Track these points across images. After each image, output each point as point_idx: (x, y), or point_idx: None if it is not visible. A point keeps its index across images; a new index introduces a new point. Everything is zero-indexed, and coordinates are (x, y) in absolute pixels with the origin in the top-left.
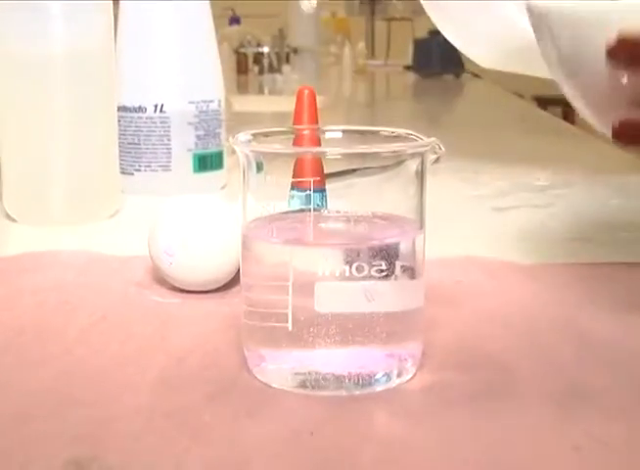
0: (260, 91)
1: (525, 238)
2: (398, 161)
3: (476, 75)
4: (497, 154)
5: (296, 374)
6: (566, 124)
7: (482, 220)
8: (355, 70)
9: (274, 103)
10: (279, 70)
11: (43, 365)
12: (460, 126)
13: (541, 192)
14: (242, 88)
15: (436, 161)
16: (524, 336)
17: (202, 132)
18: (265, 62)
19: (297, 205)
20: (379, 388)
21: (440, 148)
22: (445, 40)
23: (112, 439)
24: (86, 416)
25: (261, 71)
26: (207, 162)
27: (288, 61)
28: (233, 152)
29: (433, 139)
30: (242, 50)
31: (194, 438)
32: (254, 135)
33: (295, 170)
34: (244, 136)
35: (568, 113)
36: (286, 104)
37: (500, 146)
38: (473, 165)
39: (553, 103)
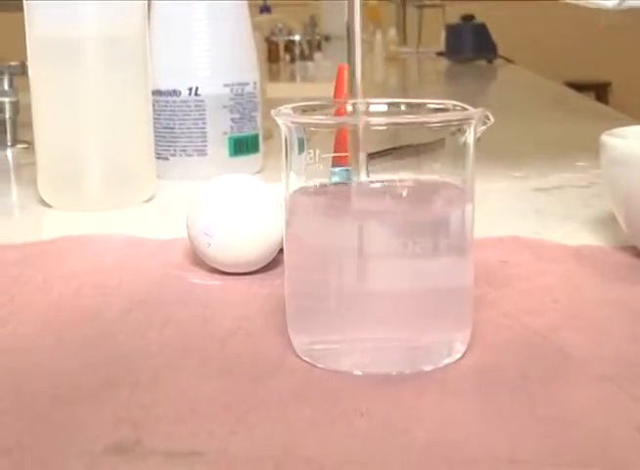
0: (292, 79)
1: (567, 218)
2: (446, 133)
3: (508, 60)
4: (535, 136)
5: (343, 354)
6: (602, 106)
7: (526, 201)
8: (387, 57)
9: (307, 90)
10: (310, 58)
11: (82, 348)
12: (495, 110)
13: (583, 172)
14: (273, 76)
15: (478, 139)
16: (575, 315)
17: (237, 115)
18: (297, 50)
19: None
20: (428, 367)
21: (489, 118)
22: (477, 25)
23: (154, 422)
24: (127, 399)
25: (293, 60)
26: (243, 145)
27: (319, 48)
28: (268, 136)
29: (481, 109)
30: (273, 38)
31: (239, 421)
32: (295, 109)
33: (335, 146)
34: (286, 109)
35: (601, 98)
36: (319, 90)
37: (537, 128)
38: (512, 148)
39: (586, 88)
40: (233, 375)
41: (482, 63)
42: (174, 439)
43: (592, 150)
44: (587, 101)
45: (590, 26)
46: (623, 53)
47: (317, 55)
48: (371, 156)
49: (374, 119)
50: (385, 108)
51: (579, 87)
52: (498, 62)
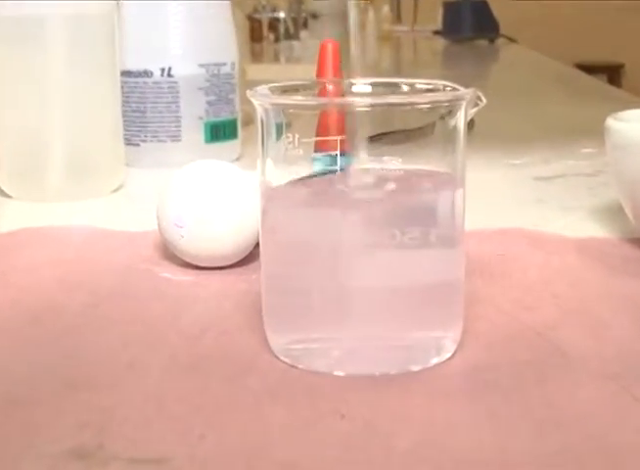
0: (276, 59)
1: (571, 209)
2: (436, 115)
3: (511, 40)
4: (538, 121)
5: (323, 353)
6: (613, 88)
7: (524, 190)
8: (380, 37)
9: (292, 71)
10: (296, 37)
11: (42, 346)
12: (496, 93)
13: (589, 159)
14: (256, 57)
15: (471, 128)
16: (574, 311)
17: (213, 98)
18: (281, 28)
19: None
20: (415, 367)
21: (481, 99)
22: (477, 2)
23: (118, 425)
24: (90, 401)
25: (277, 39)
26: (220, 131)
27: (306, 26)
28: (248, 122)
29: (472, 89)
30: (255, 16)
31: (210, 424)
32: (273, 90)
33: (318, 130)
34: (262, 89)
35: (614, 80)
36: (305, 72)
37: (541, 113)
38: (511, 133)
39: (597, 70)
40: (204, 375)
41: (483, 42)
42: (139, 443)
43: (600, 135)
44: (597, 83)
45: (602, 3)
46: (638, 32)
47: (303, 33)
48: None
49: (358, 100)
50: (369, 88)
51: (590, 69)
52: (500, 41)
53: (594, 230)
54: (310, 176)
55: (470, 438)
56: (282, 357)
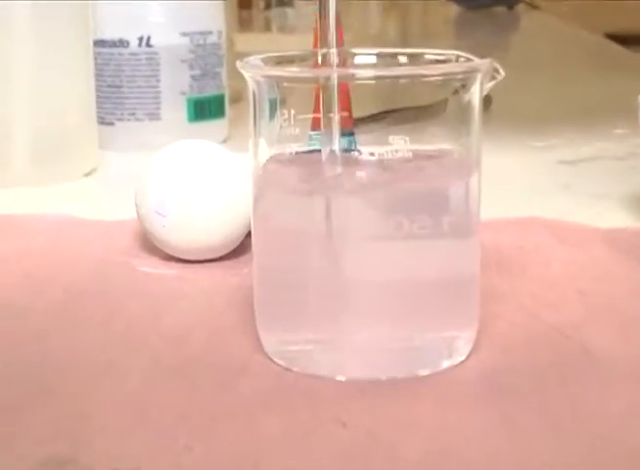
0: (267, 29)
1: (599, 196)
2: (448, 90)
3: (533, 6)
4: (564, 98)
5: (321, 355)
6: None
7: (547, 175)
8: (384, 3)
9: (285, 42)
10: (290, 4)
11: (9, 349)
12: (516, 66)
13: (620, 141)
14: (245, 25)
15: (487, 105)
16: (601, 309)
17: (198, 72)
18: None
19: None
20: (424, 371)
21: (499, 72)
22: None
23: (95, 435)
24: (64, 408)
25: (268, 5)
26: (205, 108)
27: None
28: (237, 99)
29: (489, 60)
30: None
31: (196, 434)
32: (266, 61)
33: (316, 105)
34: (254, 60)
35: None
36: (299, 43)
37: (567, 88)
38: (533, 112)
39: (631, 41)
40: (190, 379)
41: (501, 9)
42: (117, 455)
43: (634, 113)
44: (631, 56)
45: None
46: None
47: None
48: (359, 121)
49: (360, 72)
50: (373, 59)
51: (623, 40)
52: (520, 8)
53: (624, 220)
54: (306, 154)
55: (484, 447)
56: (276, 359)
